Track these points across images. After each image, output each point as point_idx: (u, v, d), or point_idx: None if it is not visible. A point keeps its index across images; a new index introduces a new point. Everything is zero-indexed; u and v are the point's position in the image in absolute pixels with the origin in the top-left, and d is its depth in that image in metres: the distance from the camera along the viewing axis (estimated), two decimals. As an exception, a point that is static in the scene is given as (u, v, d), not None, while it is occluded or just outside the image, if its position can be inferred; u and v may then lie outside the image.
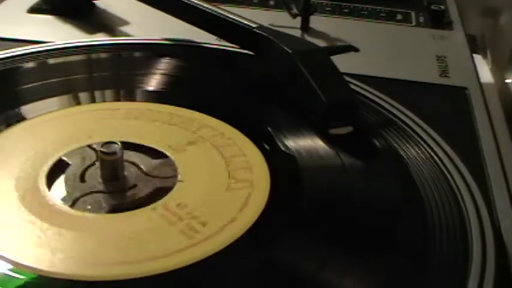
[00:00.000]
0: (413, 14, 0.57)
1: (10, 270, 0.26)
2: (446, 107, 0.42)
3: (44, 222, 0.29)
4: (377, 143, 0.36)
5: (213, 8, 0.46)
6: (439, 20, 0.55)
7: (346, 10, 0.56)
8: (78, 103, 0.39)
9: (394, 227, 0.31)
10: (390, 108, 0.40)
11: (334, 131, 0.36)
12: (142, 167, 0.33)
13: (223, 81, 0.43)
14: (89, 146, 0.34)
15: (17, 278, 0.26)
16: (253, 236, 0.29)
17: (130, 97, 0.40)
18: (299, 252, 0.29)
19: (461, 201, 0.32)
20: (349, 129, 0.37)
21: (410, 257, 0.29)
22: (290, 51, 0.39)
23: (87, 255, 0.27)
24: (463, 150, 0.36)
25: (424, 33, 0.53)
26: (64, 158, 0.33)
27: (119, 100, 0.40)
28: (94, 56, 0.45)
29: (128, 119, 0.37)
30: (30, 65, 0.43)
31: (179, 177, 0.32)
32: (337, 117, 0.37)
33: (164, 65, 0.44)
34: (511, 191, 0.34)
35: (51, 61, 0.44)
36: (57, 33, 0.49)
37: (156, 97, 0.40)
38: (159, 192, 0.32)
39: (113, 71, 0.44)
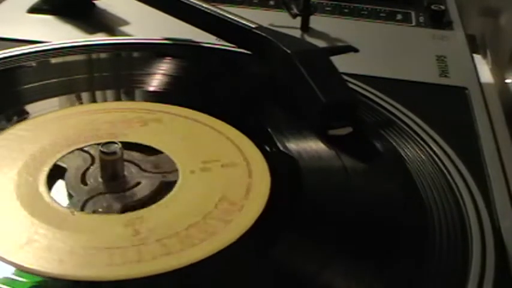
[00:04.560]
0: (413, 14, 0.57)
1: (10, 272, 0.26)
2: (446, 107, 0.42)
3: (43, 224, 0.29)
4: (377, 144, 0.36)
5: (213, 8, 0.46)
6: (439, 20, 0.55)
7: (346, 10, 0.56)
8: (78, 103, 0.39)
9: (394, 227, 0.30)
10: (390, 108, 0.40)
11: (333, 132, 0.36)
12: (142, 166, 0.33)
13: (223, 81, 0.43)
14: (81, 149, 0.34)
15: (17, 279, 0.26)
16: (253, 237, 0.29)
17: (131, 97, 0.41)
18: (299, 253, 0.29)
19: (461, 201, 0.32)
20: (349, 129, 0.37)
21: (411, 257, 0.29)
22: (289, 51, 0.39)
23: (87, 255, 0.27)
24: (463, 150, 0.36)
25: (424, 33, 0.53)
26: (61, 164, 0.33)
27: (118, 100, 0.40)
28: (94, 56, 0.45)
29: (128, 119, 0.37)
30: (30, 65, 0.43)
31: (179, 178, 0.32)
32: (337, 117, 0.37)
33: (164, 65, 0.44)
34: (511, 191, 0.34)
35: (51, 61, 0.44)
36: (57, 33, 0.49)
37: (156, 97, 0.40)
38: (159, 193, 0.32)
39: (112, 71, 0.44)
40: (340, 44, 0.49)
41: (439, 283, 0.28)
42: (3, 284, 0.26)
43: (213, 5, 0.46)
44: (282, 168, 0.34)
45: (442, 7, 0.56)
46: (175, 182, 0.32)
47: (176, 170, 0.33)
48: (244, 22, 0.44)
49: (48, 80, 0.41)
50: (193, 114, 0.37)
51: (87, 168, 0.33)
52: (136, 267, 0.27)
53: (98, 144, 0.32)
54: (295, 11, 0.51)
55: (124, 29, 0.51)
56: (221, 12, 0.45)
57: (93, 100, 0.40)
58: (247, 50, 0.45)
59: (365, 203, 0.32)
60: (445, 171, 0.34)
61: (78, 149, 0.34)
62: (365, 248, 0.29)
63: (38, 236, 0.28)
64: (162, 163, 0.34)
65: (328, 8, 0.57)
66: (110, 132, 0.35)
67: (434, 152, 0.36)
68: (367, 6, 0.57)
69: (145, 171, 0.33)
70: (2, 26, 0.49)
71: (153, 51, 0.46)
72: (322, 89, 0.37)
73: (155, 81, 0.42)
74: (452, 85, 0.44)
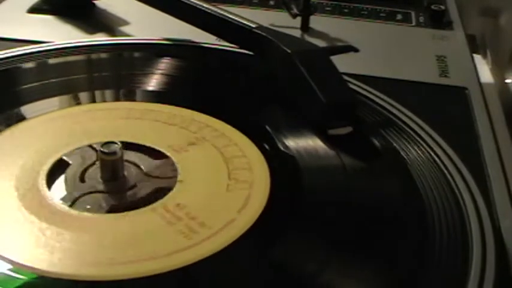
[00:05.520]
0: (413, 14, 0.57)
1: (10, 270, 0.26)
2: (446, 107, 0.42)
3: (43, 222, 0.29)
4: (377, 143, 0.36)
5: (213, 8, 0.46)
6: (439, 20, 0.55)
7: (346, 10, 0.56)
8: (78, 103, 0.39)
9: (394, 227, 0.30)
10: (390, 108, 0.40)
11: (333, 132, 0.36)
12: (142, 167, 0.33)
13: (223, 81, 0.43)
14: (90, 146, 0.34)
15: (17, 278, 0.26)
16: (253, 237, 0.29)
17: (131, 97, 0.41)
18: (299, 253, 0.29)
19: (461, 201, 0.32)
20: (349, 129, 0.37)
21: (410, 257, 0.29)
22: (289, 51, 0.39)
23: (87, 255, 0.27)
24: (463, 150, 0.36)
25: (424, 33, 0.53)
26: (64, 158, 0.33)
27: (119, 100, 0.40)
28: (94, 56, 0.45)
29: (128, 119, 0.37)
30: (30, 65, 0.43)
31: (179, 177, 0.32)
32: (336, 117, 0.37)
33: (164, 65, 0.44)
34: (511, 191, 0.34)
35: (51, 61, 0.44)
36: (57, 33, 0.49)
37: (156, 97, 0.40)
38: (159, 193, 0.32)
39: (113, 71, 0.44)
40: (340, 44, 0.49)
41: (439, 283, 0.28)
42: (3, 282, 0.26)
43: (213, 5, 0.46)
44: (282, 168, 0.34)
45: (442, 7, 0.56)
46: (174, 182, 0.32)
47: (175, 169, 0.33)
48: (244, 22, 0.44)
49: (47, 80, 0.41)
50: (193, 114, 0.37)
51: (90, 166, 0.33)
52: (137, 266, 0.27)
53: (98, 143, 0.32)
54: (295, 11, 0.51)
55: (124, 29, 0.51)
56: (221, 12, 0.45)
57: (93, 100, 0.40)
58: (248, 49, 0.45)
59: (365, 203, 0.32)
60: (445, 171, 0.34)
61: (87, 146, 0.34)
62: (365, 247, 0.29)
63: (39, 236, 0.28)
64: (162, 163, 0.34)
65: (328, 8, 0.57)
66: (110, 132, 0.35)
67: (434, 151, 0.36)
68: (367, 6, 0.57)
69: (145, 174, 0.33)
70: (2, 26, 0.49)
71: (153, 51, 0.46)
72: (322, 89, 0.37)
73: (155, 81, 0.42)
74: (452, 85, 0.44)
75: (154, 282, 0.26)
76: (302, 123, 0.37)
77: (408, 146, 0.36)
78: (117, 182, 0.32)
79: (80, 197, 0.31)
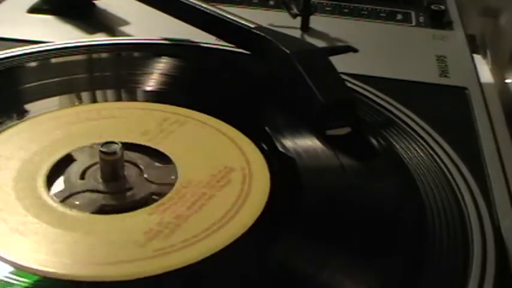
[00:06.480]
0: (413, 14, 0.57)
1: (9, 272, 0.26)
2: (446, 107, 0.42)
3: (43, 223, 0.29)
4: (377, 143, 0.36)
5: (212, 8, 0.46)
6: (439, 20, 0.55)
7: (346, 10, 0.56)
8: (78, 103, 0.39)
9: (394, 227, 0.30)
10: (390, 108, 0.40)
11: (331, 132, 0.36)
12: (142, 167, 0.33)
13: (223, 81, 0.43)
14: (90, 146, 0.34)
15: (16, 279, 0.26)
16: (252, 237, 0.29)
17: (131, 97, 0.41)
18: (297, 253, 0.29)
19: (462, 201, 0.32)
20: (347, 129, 0.37)
21: (410, 257, 0.29)
22: (288, 51, 0.39)
23: (86, 255, 0.27)
24: (463, 150, 0.36)
25: (424, 33, 0.53)
26: (64, 158, 0.33)
27: (119, 100, 0.40)
28: (94, 56, 0.45)
29: (128, 119, 0.37)
30: (30, 65, 0.43)
31: (178, 176, 0.32)
32: (335, 117, 0.37)
33: (163, 65, 0.44)
34: (511, 191, 0.34)
35: (51, 61, 0.44)
36: (57, 33, 0.49)
37: (156, 97, 0.40)
38: (157, 193, 0.32)
39: (113, 71, 0.44)
40: (340, 44, 0.49)
41: (439, 283, 0.28)
42: (3, 284, 0.26)
43: (212, 5, 0.46)
44: (282, 168, 0.34)
45: (442, 7, 0.56)
46: (173, 181, 0.32)
47: (175, 169, 0.33)
48: (243, 22, 0.44)
49: (48, 80, 0.41)
50: (192, 114, 0.37)
51: (90, 166, 0.33)
52: (137, 266, 0.27)
53: (99, 144, 0.32)
54: (295, 11, 0.51)
55: (124, 29, 0.51)
56: (221, 12, 0.45)
57: (93, 100, 0.40)
58: (247, 50, 0.45)
59: (365, 203, 0.32)
60: (445, 170, 0.34)
61: (88, 146, 0.34)
62: (364, 248, 0.29)
63: (37, 236, 0.28)
64: (161, 163, 0.34)
65: (328, 8, 0.57)
66: (110, 131, 0.35)
67: (434, 151, 0.36)
68: (367, 6, 0.57)
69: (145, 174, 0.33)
70: (2, 26, 0.49)
71: (153, 51, 0.46)
72: (321, 90, 0.37)
73: (155, 81, 0.42)
74: (452, 85, 0.44)
75: (155, 282, 0.26)
76: (301, 124, 0.37)
77: (408, 145, 0.36)
78: (117, 182, 0.32)
79: (73, 194, 0.31)
